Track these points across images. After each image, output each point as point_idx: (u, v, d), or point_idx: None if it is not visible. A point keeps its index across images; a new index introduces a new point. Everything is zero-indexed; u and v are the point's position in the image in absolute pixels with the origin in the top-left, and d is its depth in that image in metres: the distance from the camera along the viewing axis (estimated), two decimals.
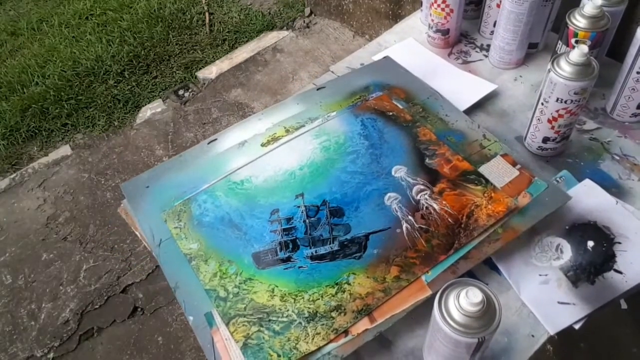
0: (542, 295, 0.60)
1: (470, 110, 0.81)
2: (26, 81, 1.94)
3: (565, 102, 0.66)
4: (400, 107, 0.79)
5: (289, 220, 0.67)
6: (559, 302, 0.60)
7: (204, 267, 0.63)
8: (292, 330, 0.56)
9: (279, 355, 0.55)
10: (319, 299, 0.59)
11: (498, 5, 0.85)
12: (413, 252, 0.61)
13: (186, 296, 0.61)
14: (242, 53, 2.00)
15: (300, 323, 0.57)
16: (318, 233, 0.65)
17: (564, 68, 0.64)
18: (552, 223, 0.65)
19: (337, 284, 0.60)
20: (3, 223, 1.57)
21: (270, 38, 2.04)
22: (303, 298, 0.59)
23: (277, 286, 0.60)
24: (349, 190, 0.69)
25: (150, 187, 0.73)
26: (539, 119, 0.72)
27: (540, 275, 0.62)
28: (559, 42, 0.78)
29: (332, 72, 0.92)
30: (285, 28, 2.09)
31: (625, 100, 0.75)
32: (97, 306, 1.36)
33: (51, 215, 1.57)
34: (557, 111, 0.68)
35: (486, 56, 0.91)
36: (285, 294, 0.59)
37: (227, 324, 0.58)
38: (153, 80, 1.96)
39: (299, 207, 0.68)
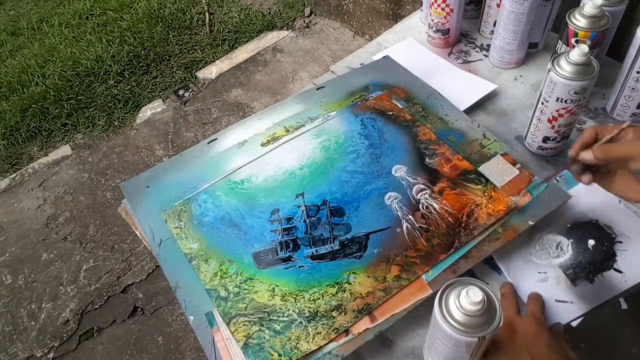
0: (540, 293, 0.60)
1: (470, 110, 0.81)
2: (26, 81, 1.95)
3: (566, 101, 0.66)
4: (400, 106, 0.80)
5: (289, 219, 0.67)
6: (556, 300, 0.60)
7: (205, 266, 0.63)
8: (292, 329, 0.56)
9: (279, 355, 0.55)
10: (319, 298, 0.59)
11: (498, 5, 0.85)
12: (413, 251, 0.62)
13: (187, 296, 0.61)
14: (242, 53, 2.00)
15: (301, 322, 0.57)
16: (318, 232, 0.65)
17: (564, 68, 0.64)
18: (553, 221, 0.65)
19: (337, 283, 0.60)
20: (3, 223, 1.57)
21: (270, 38, 2.04)
22: (304, 297, 0.59)
23: (277, 286, 0.60)
24: (349, 189, 0.69)
25: (150, 187, 0.73)
26: (539, 119, 0.72)
27: (539, 272, 0.62)
28: (559, 41, 0.78)
29: (332, 71, 0.92)
30: (285, 28, 2.09)
31: (625, 100, 0.75)
32: (97, 306, 1.36)
33: (51, 215, 1.57)
34: (557, 111, 0.68)
35: (486, 56, 0.91)
36: (285, 294, 0.60)
37: (227, 324, 0.58)
38: (153, 80, 1.96)
39: (299, 206, 0.68)
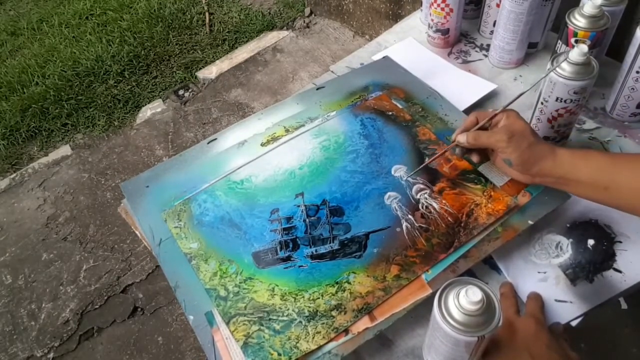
0: (539, 292, 0.60)
1: (470, 110, 0.81)
2: (26, 81, 1.95)
3: (565, 101, 0.67)
4: (400, 106, 0.80)
5: (289, 219, 0.67)
6: (556, 300, 0.60)
7: (204, 266, 0.63)
8: (292, 329, 0.56)
9: (279, 354, 0.55)
10: (319, 298, 0.59)
11: (498, 5, 0.85)
12: (413, 251, 0.62)
13: (186, 296, 0.61)
14: (242, 53, 2.00)
15: (300, 322, 0.57)
16: (318, 232, 0.65)
17: (564, 67, 0.64)
18: (553, 221, 0.66)
19: (337, 283, 0.60)
20: (3, 223, 1.57)
21: (270, 38, 2.04)
22: (303, 297, 0.59)
23: (277, 285, 0.60)
24: (349, 189, 0.69)
25: (150, 187, 0.73)
26: (538, 119, 0.72)
27: (538, 272, 0.62)
28: (559, 41, 0.78)
29: (332, 71, 0.92)
30: (285, 28, 2.09)
31: (625, 100, 0.75)
32: (97, 306, 1.36)
33: (51, 215, 1.57)
34: (557, 110, 0.69)
35: (486, 56, 0.91)
36: (285, 293, 0.60)
37: (227, 323, 0.58)
38: (153, 80, 1.97)
39: (299, 206, 0.68)
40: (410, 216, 0.65)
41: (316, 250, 0.63)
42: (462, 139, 0.63)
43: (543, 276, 0.62)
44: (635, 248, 0.63)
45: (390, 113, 0.79)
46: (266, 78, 1.90)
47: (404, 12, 1.68)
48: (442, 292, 0.47)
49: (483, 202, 0.65)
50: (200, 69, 1.97)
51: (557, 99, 0.67)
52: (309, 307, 0.58)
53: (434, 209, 0.65)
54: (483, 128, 0.63)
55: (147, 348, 1.28)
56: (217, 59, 2.00)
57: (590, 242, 0.64)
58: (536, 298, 0.59)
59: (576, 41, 0.73)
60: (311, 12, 2.12)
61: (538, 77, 0.67)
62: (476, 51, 0.93)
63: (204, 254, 0.65)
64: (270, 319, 0.57)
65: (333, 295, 0.59)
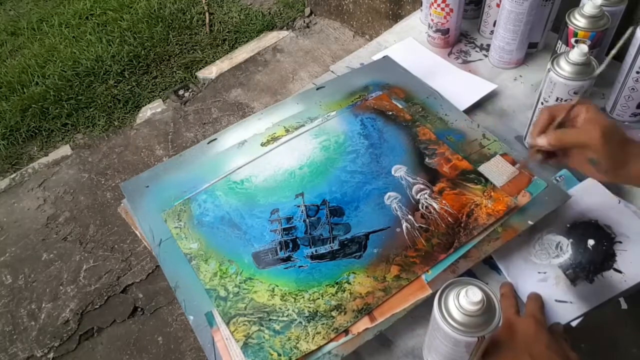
0: (539, 292, 0.60)
1: (470, 110, 0.81)
2: (26, 81, 1.95)
3: (565, 101, 0.66)
4: (400, 106, 0.80)
5: (289, 219, 0.67)
6: (556, 300, 0.60)
7: (204, 266, 0.63)
8: (292, 329, 0.56)
9: (279, 355, 0.55)
10: (319, 298, 0.59)
11: (498, 5, 0.85)
12: (413, 251, 0.62)
13: (186, 296, 0.61)
14: (242, 53, 2.00)
15: (300, 322, 0.57)
16: (318, 232, 0.65)
17: (564, 67, 0.64)
18: (553, 221, 0.65)
19: (337, 283, 0.60)
20: (3, 223, 1.57)
21: (270, 38, 2.04)
22: (303, 297, 0.59)
23: (277, 285, 0.60)
24: (349, 189, 0.69)
25: (150, 187, 0.73)
26: None
27: (538, 272, 0.62)
28: (559, 41, 0.78)
29: (332, 71, 0.92)
30: (285, 28, 2.09)
31: (625, 100, 0.75)
32: (97, 306, 1.36)
33: (51, 215, 1.57)
34: None
35: (486, 56, 0.91)
36: (285, 294, 0.60)
37: (227, 324, 0.58)
38: (153, 80, 1.97)
39: (299, 206, 0.68)
40: (410, 216, 0.65)
41: (316, 251, 0.63)
42: (542, 141, 0.55)
43: (543, 276, 0.62)
44: (635, 248, 0.63)
45: (390, 113, 0.79)
46: (266, 78, 1.90)
47: (404, 12, 1.68)
48: (442, 293, 0.47)
49: (483, 202, 0.65)
50: (200, 69, 1.97)
51: (557, 99, 0.67)
52: (309, 307, 0.58)
53: (434, 209, 0.65)
54: (560, 125, 0.56)
55: (147, 348, 1.28)
56: (217, 59, 2.00)
57: (590, 242, 0.64)
58: (536, 298, 0.59)
59: (576, 41, 0.73)
60: (311, 12, 2.12)
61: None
62: (476, 51, 0.93)
63: (204, 254, 0.65)
64: (270, 320, 0.57)
65: (333, 295, 0.59)
